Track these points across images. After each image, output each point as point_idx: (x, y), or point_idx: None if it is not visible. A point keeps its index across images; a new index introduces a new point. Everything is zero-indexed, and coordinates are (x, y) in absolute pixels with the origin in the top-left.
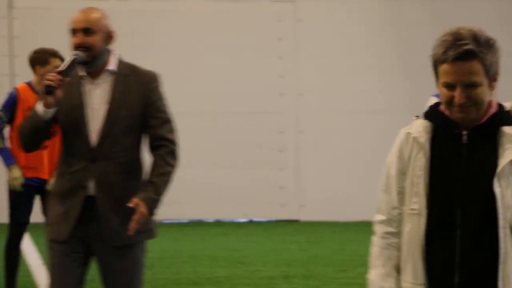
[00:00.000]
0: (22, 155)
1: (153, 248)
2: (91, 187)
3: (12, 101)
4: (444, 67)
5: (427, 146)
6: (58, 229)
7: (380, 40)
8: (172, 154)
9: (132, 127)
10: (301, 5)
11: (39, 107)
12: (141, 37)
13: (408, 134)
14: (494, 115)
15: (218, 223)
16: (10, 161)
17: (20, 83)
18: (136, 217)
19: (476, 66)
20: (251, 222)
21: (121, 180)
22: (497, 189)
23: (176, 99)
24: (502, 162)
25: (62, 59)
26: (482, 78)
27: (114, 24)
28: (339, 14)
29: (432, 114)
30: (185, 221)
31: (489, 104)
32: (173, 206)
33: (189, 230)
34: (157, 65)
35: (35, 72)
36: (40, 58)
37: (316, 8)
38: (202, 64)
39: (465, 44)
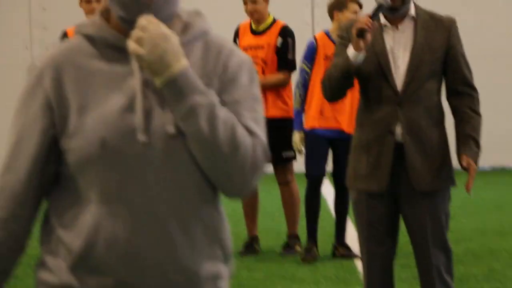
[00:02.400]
0: (316, 104)
1: (454, 197)
2: (398, 133)
3: (312, 51)
4: None
5: None
6: (371, 180)
7: None
8: (478, 102)
9: (434, 72)
10: None
11: (350, 52)
12: None
13: None
14: None
15: None
16: (297, 126)
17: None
18: (472, 174)
19: None
20: None
21: (426, 125)
22: None
23: None
24: None
25: (359, 4)
26: None
27: None
28: None
29: None
30: (488, 168)
31: None
32: None
33: (491, 178)
34: None
35: (333, 18)
36: (339, 3)
37: None
38: None
39: None
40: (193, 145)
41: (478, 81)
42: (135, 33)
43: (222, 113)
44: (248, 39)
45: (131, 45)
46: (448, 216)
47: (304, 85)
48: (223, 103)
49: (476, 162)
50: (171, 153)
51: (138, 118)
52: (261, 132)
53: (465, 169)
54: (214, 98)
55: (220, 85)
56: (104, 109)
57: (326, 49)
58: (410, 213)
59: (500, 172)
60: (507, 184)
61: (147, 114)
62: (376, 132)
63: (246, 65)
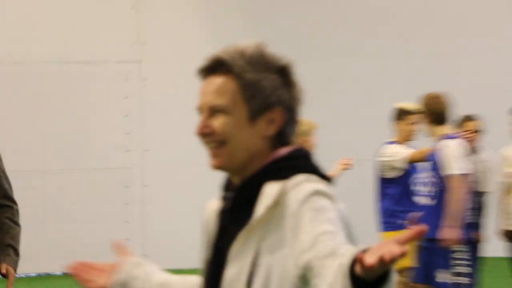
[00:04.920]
0: None
1: None
2: None
3: None
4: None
5: (210, 217)
6: None
7: None
8: (17, 213)
9: None
10: (145, 65)
11: None
12: None
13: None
14: (265, 166)
15: (67, 276)
16: None
17: None
18: (11, 279)
19: (226, 83)
20: None
21: None
22: (226, 273)
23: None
24: (239, 237)
25: None
26: (231, 103)
27: None
28: (182, 74)
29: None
30: (33, 274)
31: (274, 153)
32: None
33: (36, 283)
34: None
35: None
36: None
37: (160, 68)
38: (51, 123)
39: (218, 55)
40: None
41: None
42: None
43: None
44: None
45: None
46: None
47: None
48: None
49: (15, 269)
50: None
51: None
52: None
53: (4, 275)
54: None
55: None
56: None
57: None
58: None
59: (44, 277)
60: None
61: None
62: None
63: None
